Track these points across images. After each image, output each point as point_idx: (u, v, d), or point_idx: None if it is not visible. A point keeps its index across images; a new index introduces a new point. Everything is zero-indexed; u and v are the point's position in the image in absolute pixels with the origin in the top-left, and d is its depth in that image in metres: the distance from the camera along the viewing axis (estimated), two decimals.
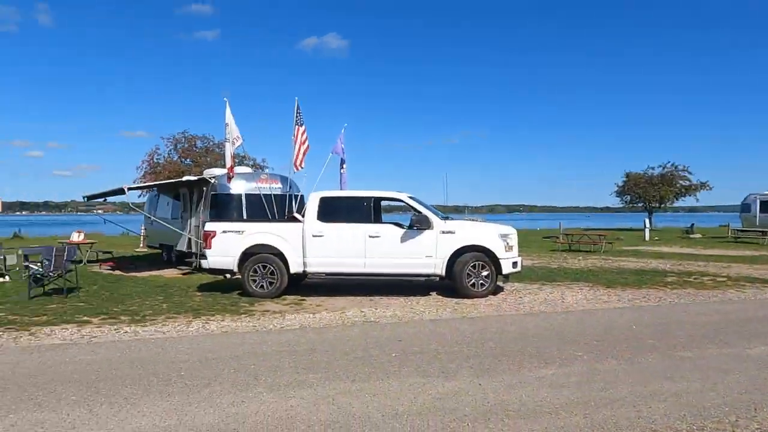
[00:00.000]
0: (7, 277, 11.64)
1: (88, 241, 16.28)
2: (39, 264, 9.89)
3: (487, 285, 9.18)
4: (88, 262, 15.44)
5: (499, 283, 10.00)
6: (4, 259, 12.60)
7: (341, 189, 12.70)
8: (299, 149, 12.08)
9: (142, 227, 22.42)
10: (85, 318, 7.59)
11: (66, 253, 9.82)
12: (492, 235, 9.36)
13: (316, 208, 9.51)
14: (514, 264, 9.47)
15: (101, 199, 15.73)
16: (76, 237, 15.76)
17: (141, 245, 22.15)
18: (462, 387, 4.47)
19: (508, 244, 9.40)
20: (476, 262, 9.15)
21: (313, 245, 9.36)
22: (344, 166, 13.53)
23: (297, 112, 12.29)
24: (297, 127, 12.20)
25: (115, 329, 6.86)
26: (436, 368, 5.02)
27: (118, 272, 13.70)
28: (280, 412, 3.91)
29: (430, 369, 5.00)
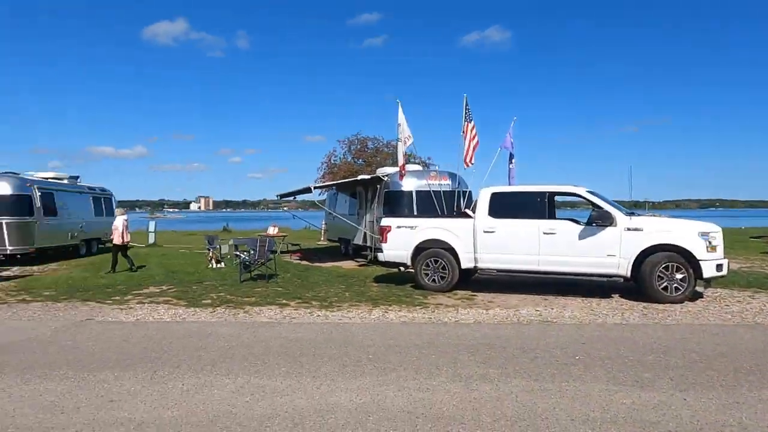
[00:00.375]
0: (222, 264, 13.85)
1: (281, 234, 18.51)
2: (246, 253, 11.59)
3: (682, 289, 8.13)
4: (281, 252, 17.58)
5: (698, 288, 8.78)
6: (220, 248, 14.99)
7: (510, 184, 12.41)
8: (469, 145, 12.12)
9: (323, 222, 24.74)
10: (284, 301, 8.67)
11: (267, 245, 11.33)
12: (690, 233, 8.25)
13: (488, 204, 9.45)
14: (719, 267, 8.22)
15: (291, 198, 17.75)
16: (272, 231, 18.04)
17: (321, 238, 24.47)
18: (662, 400, 4.05)
19: (710, 243, 8.19)
20: (669, 264, 8.16)
21: (484, 241, 9.33)
22: (513, 160, 13.18)
23: (466, 109, 12.34)
24: (466, 123, 12.26)
25: (309, 312, 7.71)
26: (629, 376, 4.62)
27: (305, 262, 15.34)
28: (465, 403, 4.00)
29: (621, 376, 4.62)
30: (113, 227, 13.06)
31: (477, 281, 10.61)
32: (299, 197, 20.11)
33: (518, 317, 7.35)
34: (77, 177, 18.49)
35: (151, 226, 23.98)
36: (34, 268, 13.72)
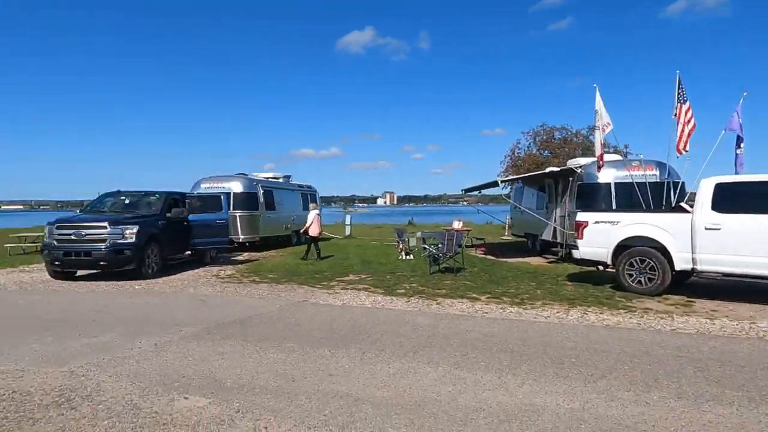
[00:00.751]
0: (411, 256, 14.52)
1: (465, 228, 18.65)
2: (434, 246, 11.94)
3: None
4: (466, 246, 17.70)
5: None
6: (408, 241, 15.73)
7: (736, 173, 10.47)
8: (683, 130, 10.56)
9: (507, 217, 24.20)
10: (474, 295, 8.69)
11: (455, 239, 11.49)
12: None
13: (711, 196, 8.11)
14: None
15: (476, 192, 17.72)
16: (457, 225, 18.29)
17: (505, 233, 23.96)
18: None
19: None
20: None
21: (705, 239, 8.04)
22: (742, 145, 11.07)
23: (679, 88, 10.78)
24: (679, 104, 10.70)
25: (501, 308, 7.59)
26: None
27: (490, 257, 15.19)
28: (696, 426, 3.48)
29: None
30: (307, 220, 14.73)
31: (692, 285, 9.23)
32: (483, 191, 19.97)
33: (758, 332, 6.15)
34: (289, 176, 21.25)
35: (347, 219, 26.33)
36: (259, 254, 16.18)
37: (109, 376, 4.51)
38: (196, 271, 12.13)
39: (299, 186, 21.43)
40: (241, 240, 16.45)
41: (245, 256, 15.58)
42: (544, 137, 31.87)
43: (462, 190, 18.47)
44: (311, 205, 15.80)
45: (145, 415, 3.67)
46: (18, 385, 4.30)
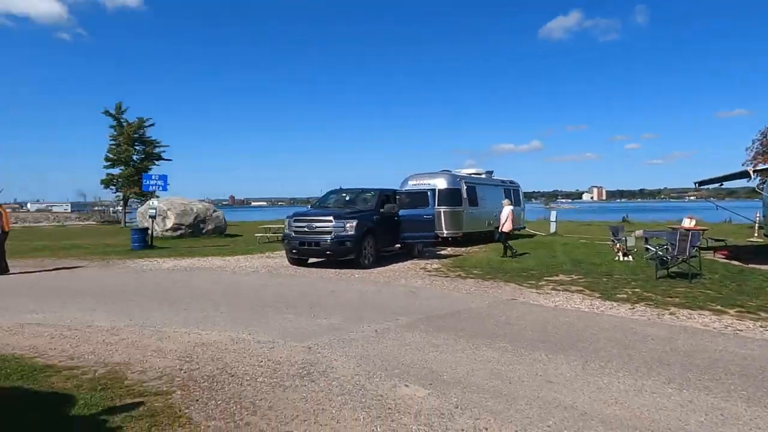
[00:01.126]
0: (630, 257, 12.96)
1: (700, 227, 15.90)
2: (660, 247, 10.41)
3: None
4: (701, 249, 15.09)
5: None
6: (626, 240, 14.08)
7: None
8: None
9: (757, 214, 19.95)
10: (719, 307, 7.29)
11: (690, 239, 9.84)
12: None
13: None
14: None
15: (717, 185, 14.98)
16: (688, 223, 15.70)
17: (755, 234, 19.78)
18: None
19: None
20: None
21: None
22: None
23: None
24: None
25: (761, 327, 6.20)
26: None
27: (735, 262, 12.66)
28: None
29: None
30: (501, 216, 14.24)
31: None
32: (723, 184, 16.75)
33: None
34: (491, 172, 21.02)
35: (552, 215, 24.91)
36: (462, 249, 16.38)
37: (339, 356, 4.99)
38: (405, 263, 12.82)
39: (502, 181, 21.03)
40: (445, 235, 16.86)
41: (449, 250, 15.92)
42: None
43: (695, 183, 15.69)
44: (504, 201, 15.28)
45: (371, 396, 3.93)
46: (271, 355, 5.05)
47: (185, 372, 4.51)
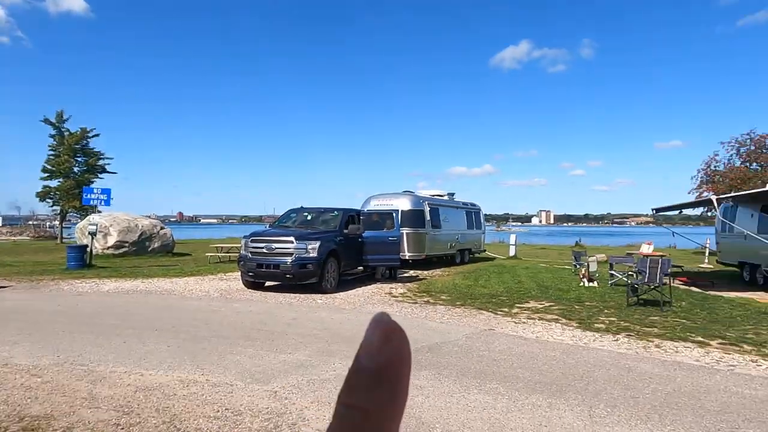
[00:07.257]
0: (595, 282, 12.85)
1: (657, 253, 16.13)
2: (627, 274, 10.28)
3: None
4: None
5: None
6: (588, 266, 14.02)
7: None
8: None
9: (707, 240, 20.64)
10: (699, 338, 7.06)
11: (660, 266, 9.75)
12: None
13: None
14: None
15: (676, 212, 15.27)
16: (646, 248, 15.92)
17: (706, 261, 20.40)
18: None
19: None
20: None
21: None
22: None
23: None
24: None
25: (753, 361, 5.95)
26: None
27: (695, 289, 12.78)
28: None
29: None
30: None
31: None
32: (689, 211, 17.19)
33: None
34: (453, 194, 20.79)
35: (512, 239, 24.93)
36: (425, 272, 15.88)
37: (311, 402, 4.28)
38: (369, 287, 12.17)
39: (464, 204, 20.84)
40: (407, 257, 16.34)
41: (411, 273, 15.39)
42: (752, 147, 26.87)
43: (652, 210, 16.01)
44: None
45: None
46: (230, 401, 4.28)
47: (123, 429, 3.68)
